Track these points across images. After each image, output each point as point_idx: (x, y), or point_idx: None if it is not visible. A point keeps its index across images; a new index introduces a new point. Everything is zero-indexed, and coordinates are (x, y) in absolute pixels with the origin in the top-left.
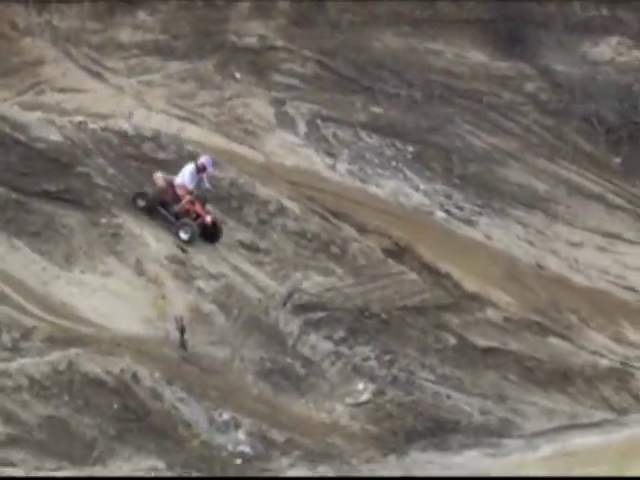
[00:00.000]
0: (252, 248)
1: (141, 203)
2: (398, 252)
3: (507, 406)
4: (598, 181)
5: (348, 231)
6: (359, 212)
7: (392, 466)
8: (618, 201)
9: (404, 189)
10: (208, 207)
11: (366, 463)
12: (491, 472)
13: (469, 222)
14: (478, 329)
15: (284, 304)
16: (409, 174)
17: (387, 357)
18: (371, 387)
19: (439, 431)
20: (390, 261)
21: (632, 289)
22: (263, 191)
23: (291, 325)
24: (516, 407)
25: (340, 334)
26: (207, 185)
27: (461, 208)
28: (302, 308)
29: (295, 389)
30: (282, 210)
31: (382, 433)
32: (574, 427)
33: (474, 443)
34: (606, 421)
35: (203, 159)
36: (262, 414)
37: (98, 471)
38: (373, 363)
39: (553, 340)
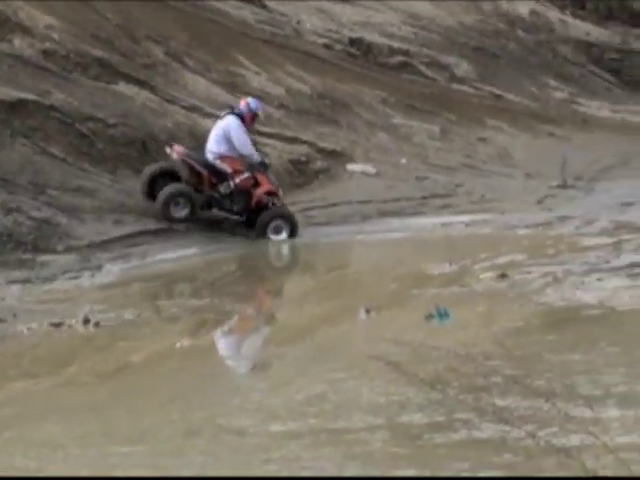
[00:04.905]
0: None
1: (181, 212)
2: None
3: (48, 200)
4: None
5: None
6: None
7: None
8: None
9: None
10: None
11: None
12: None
13: None
14: None
15: None
16: None
17: None
18: None
19: None
20: None
21: None
22: None
23: None
24: (60, 200)
25: None
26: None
27: None
28: None
29: None
30: None
31: None
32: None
33: None
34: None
35: (251, 102)
36: None
37: None
38: None
39: (124, 89)
